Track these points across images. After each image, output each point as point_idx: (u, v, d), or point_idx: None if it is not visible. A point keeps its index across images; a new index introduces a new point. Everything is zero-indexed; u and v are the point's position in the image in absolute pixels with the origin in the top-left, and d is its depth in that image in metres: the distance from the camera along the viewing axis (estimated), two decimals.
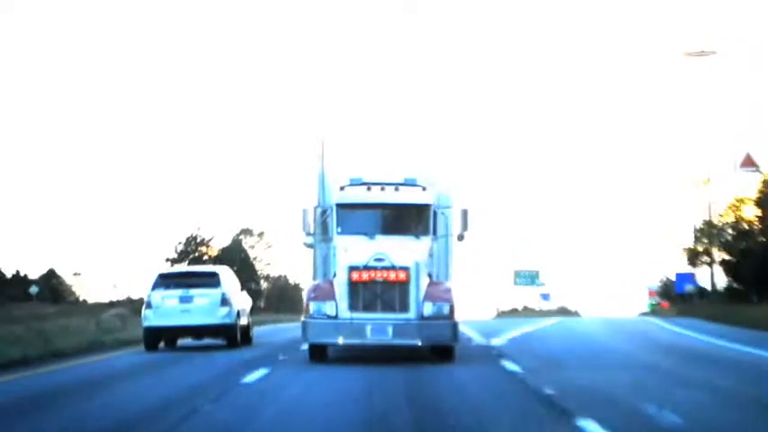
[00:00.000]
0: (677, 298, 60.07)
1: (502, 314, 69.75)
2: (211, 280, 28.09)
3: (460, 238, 22.50)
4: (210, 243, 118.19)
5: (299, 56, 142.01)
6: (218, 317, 27.28)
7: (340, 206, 22.03)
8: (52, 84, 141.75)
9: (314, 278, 23.06)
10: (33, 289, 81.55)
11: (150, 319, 27.42)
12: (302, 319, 21.57)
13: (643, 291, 64.90)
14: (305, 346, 21.99)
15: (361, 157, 23.20)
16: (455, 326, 21.22)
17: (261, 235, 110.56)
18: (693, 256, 55.89)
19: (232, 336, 27.74)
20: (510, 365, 20.63)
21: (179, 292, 27.59)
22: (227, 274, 29.27)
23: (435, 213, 22.18)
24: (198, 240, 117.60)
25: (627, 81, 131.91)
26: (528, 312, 63.88)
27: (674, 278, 62.18)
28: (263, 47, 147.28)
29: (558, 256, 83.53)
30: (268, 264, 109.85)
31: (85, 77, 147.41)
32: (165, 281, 28.50)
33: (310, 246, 23.01)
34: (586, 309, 65.15)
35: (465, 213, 22.35)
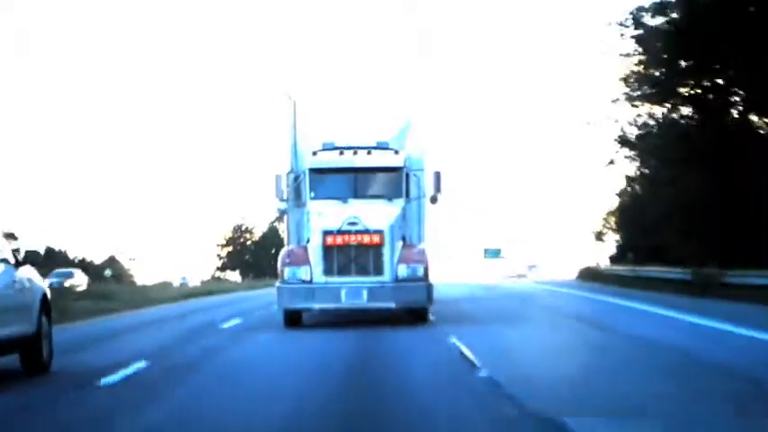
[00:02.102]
0: None
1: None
2: None
3: (434, 200, 22.37)
4: (253, 231, 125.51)
5: (271, 19, 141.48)
6: None
7: (313, 171, 21.95)
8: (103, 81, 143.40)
9: (288, 243, 23.09)
10: (108, 272, 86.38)
11: None
12: (277, 284, 21.62)
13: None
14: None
15: (333, 121, 23.15)
16: (429, 287, 21.21)
17: None
18: (598, 236, 68.86)
19: None
20: None
21: None
22: None
23: (408, 176, 22.05)
24: (243, 228, 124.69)
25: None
26: (514, 280, 69.35)
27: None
28: (232, 11, 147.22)
29: (523, 231, 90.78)
30: None
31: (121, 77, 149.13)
32: None
33: (284, 212, 23.00)
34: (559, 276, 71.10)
35: (438, 175, 22.21)
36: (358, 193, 21.81)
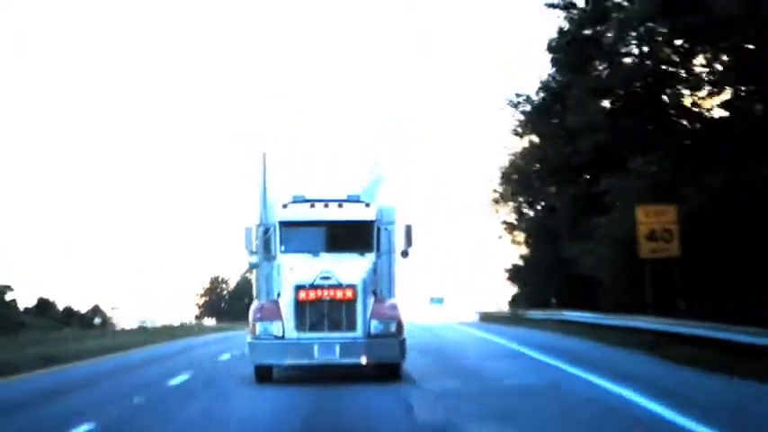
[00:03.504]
0: None
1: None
2: None
3: (405, 254, 21.99)
4: (228, 281, 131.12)
5: (241, 68, 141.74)
6: None
7: (283, 224, 21.57)
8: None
9: (257, 297, 22.66)
10: (97, 320, 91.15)
11: None
12: (248, 339, 21.21)
13: None
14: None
15: (303, 173, 22.82)
16: (402, 343, 20.86)
17: None
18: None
19: None
20: None
21: None
22: None
23: (379, 230, 21.71)
24: (219, 279, 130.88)
25: None
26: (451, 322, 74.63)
27: None
28: (201, 56, 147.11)
29: (466, 281, 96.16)
30: None
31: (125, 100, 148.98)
32: None
33: (255, 265, 22.52)
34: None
35: (409, 229, 21.88)
36: (329, 247, 21.45)
